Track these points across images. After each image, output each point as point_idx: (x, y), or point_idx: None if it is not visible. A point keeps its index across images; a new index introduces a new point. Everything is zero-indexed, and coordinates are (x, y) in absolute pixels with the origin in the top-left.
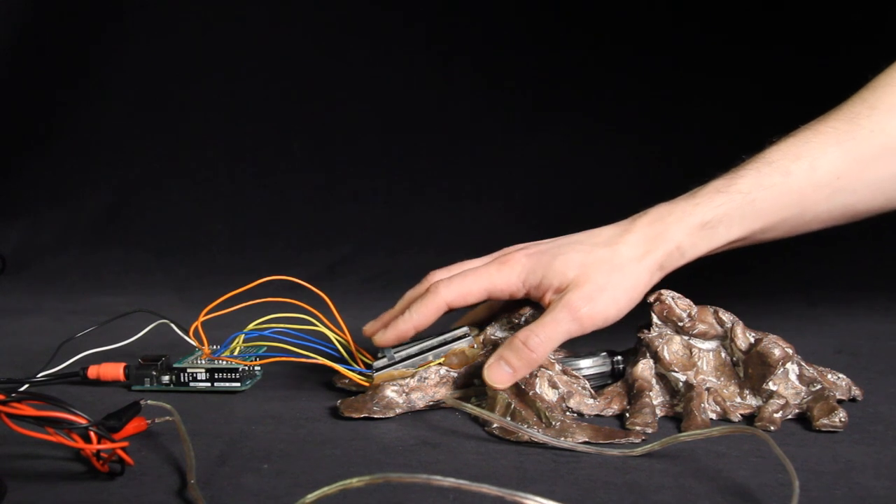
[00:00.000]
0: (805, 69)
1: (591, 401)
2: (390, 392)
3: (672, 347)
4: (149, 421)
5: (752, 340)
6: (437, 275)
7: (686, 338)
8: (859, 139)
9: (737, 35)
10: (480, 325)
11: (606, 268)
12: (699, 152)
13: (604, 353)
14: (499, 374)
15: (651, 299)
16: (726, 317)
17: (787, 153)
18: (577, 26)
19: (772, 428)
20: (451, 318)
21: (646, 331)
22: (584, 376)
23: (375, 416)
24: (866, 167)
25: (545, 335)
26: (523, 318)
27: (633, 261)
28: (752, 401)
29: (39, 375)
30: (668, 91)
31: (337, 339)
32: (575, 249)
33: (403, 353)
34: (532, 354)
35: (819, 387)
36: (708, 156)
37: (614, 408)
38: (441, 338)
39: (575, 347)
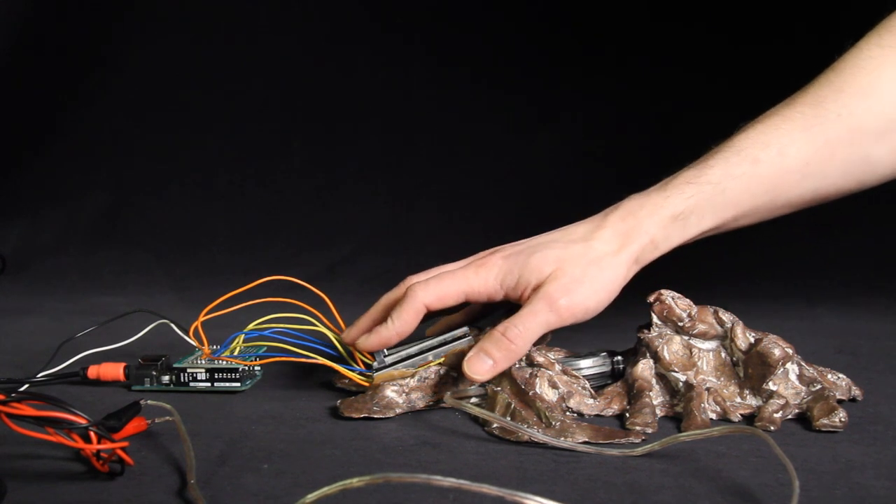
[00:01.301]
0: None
1: (591, 401)
2: (390, 392)
3: (672, 347)
4: (149, 421)
5: (752, 340)
6: (414, 279)
7: (686, 338)
8: (827, 124)
9: (734, 35)
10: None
11: (583, 262)
12: (697, 153)
13: (604, 353)
14: (479, 366)
15: (651, 299)
16: (726, 317)
17: (755, 141)
18: (576, 28)
19: (772, 428)
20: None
21: (646, 331)
22: (584, 376)
23: (375, 416)
24: (835, 152)
25: (523, 326)
26: None
27: (608, 255)
28: (752, 401)
29: (39, 375)
30: (666, 92)
31: (337, 339)
32: (550, 247)
33: (403, 353)
34: (512, 345)
35: (819, 387)
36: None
37: (614, 408)
38: (441, 338)
39: (575, 347)
